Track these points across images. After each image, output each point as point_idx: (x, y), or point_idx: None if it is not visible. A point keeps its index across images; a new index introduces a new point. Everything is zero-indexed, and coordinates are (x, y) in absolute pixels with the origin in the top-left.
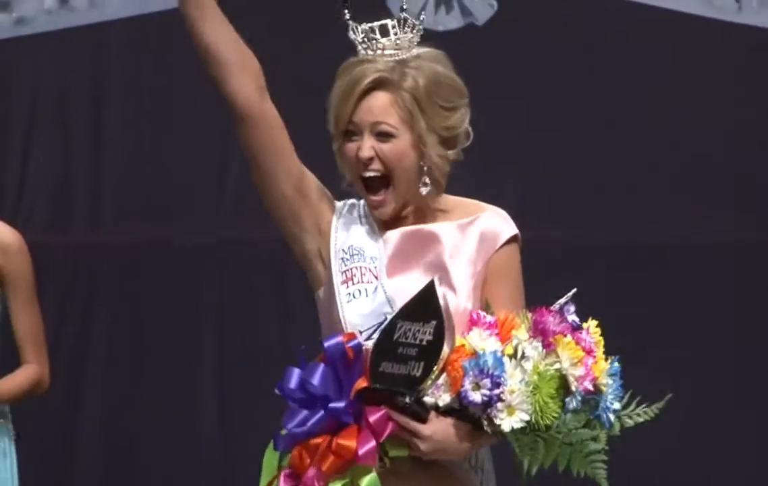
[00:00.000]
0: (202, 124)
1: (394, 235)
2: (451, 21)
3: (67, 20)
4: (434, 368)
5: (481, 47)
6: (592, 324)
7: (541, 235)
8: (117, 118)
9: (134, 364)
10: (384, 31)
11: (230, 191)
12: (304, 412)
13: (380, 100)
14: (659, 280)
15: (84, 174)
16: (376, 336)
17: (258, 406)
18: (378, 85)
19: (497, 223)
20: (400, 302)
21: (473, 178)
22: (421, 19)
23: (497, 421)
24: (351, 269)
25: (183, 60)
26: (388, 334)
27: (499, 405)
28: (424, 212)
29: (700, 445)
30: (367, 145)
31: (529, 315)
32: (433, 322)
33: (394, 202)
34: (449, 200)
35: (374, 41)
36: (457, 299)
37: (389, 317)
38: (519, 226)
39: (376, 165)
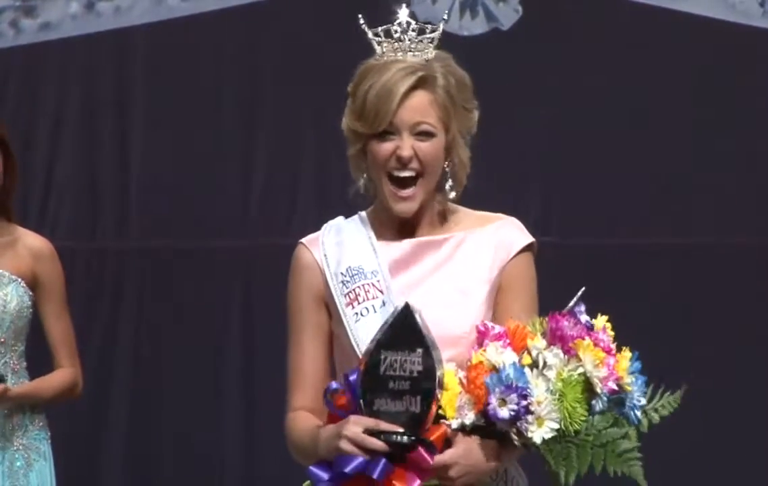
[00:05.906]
0: (226, 129)
1: (405, 246)
2: (476, 26)
3: (93, 25)
4: (432, 403)
5: (506, 53)
6: (602, 320)
7: (565, 241)
8: (142, 124)
9: (160, 368)
10: (404, 28)
11: (255, 196)
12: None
13: (421, 98)
14: (685, 282)
15: (109, 179)
16: (358, 374)
17: (284, 413)
18: (419, 83)
19: (512, 231)
20: None
21: (498, 185)
22: (437, 26)
23: (528, 434)
24: (354, 290)
25: (207, 65)
26: (373, 368)
27: (529, 418)
28: (439, 221)
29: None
30: (408, 145)
31: (543, 322)
32: (419, 350)
33: (421, 199)
34: (464, 211)
35: (398, 42)
36: (471, 308)
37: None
38: (543, 232)
39: (414, 164)
